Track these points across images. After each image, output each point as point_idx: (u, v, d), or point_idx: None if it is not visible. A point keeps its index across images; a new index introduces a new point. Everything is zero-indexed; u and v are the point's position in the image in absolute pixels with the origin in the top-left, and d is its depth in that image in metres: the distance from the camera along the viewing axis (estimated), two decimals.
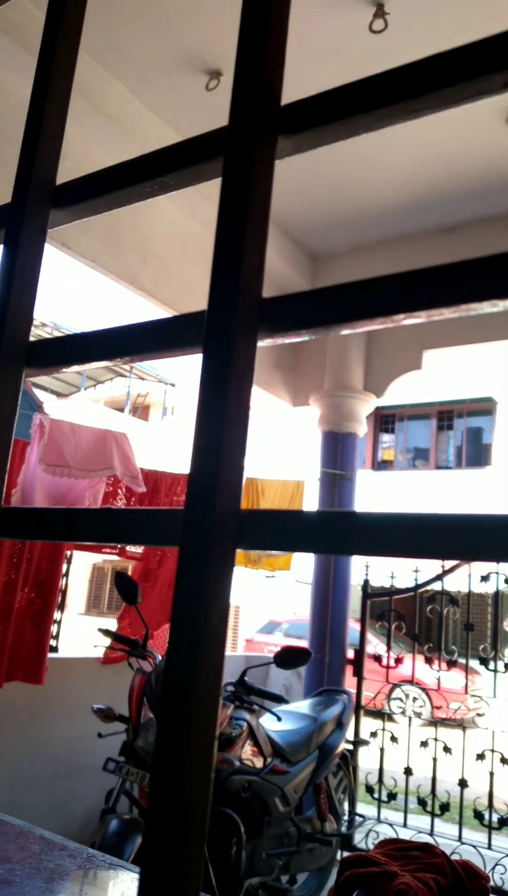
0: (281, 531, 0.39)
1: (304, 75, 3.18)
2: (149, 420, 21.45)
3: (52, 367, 0.53)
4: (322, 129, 0.44)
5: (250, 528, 0.40)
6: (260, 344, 0.43)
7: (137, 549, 4.56)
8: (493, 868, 3.96)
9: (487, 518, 0.33)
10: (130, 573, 5.12)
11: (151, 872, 0.34)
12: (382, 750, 4.72)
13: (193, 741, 0.35)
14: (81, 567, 19.84)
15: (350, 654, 4.97)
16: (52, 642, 7.27)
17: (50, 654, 4.30)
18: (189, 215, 4.25)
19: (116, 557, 4.84)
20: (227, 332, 0.40)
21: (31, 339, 0.53)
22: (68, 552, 6.05)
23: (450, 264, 0.35)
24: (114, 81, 3.47)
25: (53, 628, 7.38)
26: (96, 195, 0.53)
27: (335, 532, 0.37)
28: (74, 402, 18.78)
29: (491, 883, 3.71)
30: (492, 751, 4.28)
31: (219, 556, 0.38)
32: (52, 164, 0.55)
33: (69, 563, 7.37)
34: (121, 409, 20.19)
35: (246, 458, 0.41)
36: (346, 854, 3.51)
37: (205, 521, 0.38)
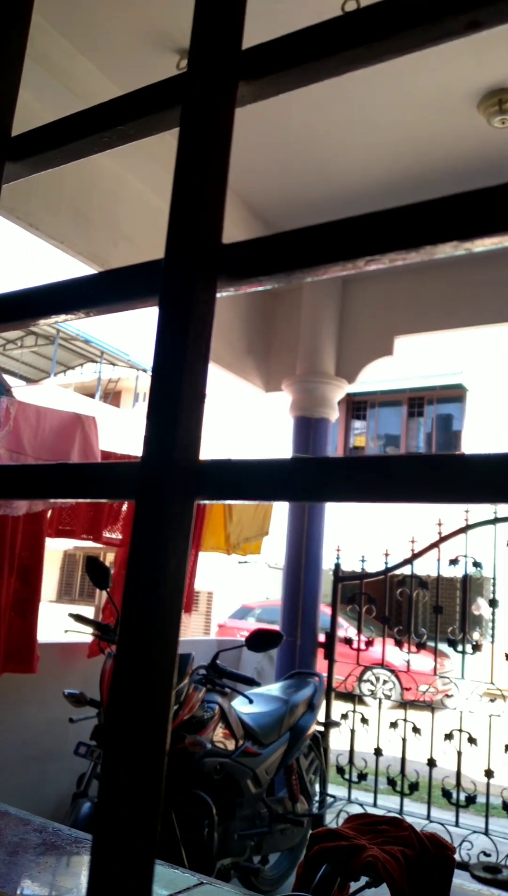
0: (241, 481, 0.38)
1: None
2: (121, 406, 21.29)
3: (6, 323, 0.51)
4: (284, 74, 0.42)
5: (209, 480, 0.39)
6: (221, 294, 0.42)
7: (115, 535, 4.52)
8: (460, 844, 4.03)
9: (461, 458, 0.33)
10: (108, 560, 5.08)
11: (104, 836, 0.34)
12: (352, 731, 4.78)
13: (150, 694, 0.34)
14: (53, 554, 19.71)
15: (322, 637, 5.00)
16: None
17: None
18: (160, 196, 4.19)
19: (88, 544, 4.79)
20: (185, 278, 0.39)
21: None
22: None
23: (412, 205, 0.35)
24: (84, 60, 3.41)
25: None
26: (54, 146, 0.52)
27: (293, 479, 0.37)
28: (43, 388, 18.56)
29: (458, 858, 3.79)
30: (460, 731, 4.35)
31: (176, 508, 0.37)
32: (6, 115, 0.53)
33: None
34: (92, 395, 20.01)
35: (204, 409, 0.40)
36: None
37: (161, 473, 0.37)
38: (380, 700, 4.85)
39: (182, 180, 0.41)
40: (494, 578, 4.58)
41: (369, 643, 5.01)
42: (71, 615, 3.53)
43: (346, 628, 7.55)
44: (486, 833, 4.24)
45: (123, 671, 0.35)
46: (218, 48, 0.42)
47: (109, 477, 0.43)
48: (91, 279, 0.47)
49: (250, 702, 3.71)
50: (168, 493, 0.37)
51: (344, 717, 4.85)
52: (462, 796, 4.29)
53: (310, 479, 0.36)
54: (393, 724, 4.59)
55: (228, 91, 0.42)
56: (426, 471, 0.34)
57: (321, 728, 4.57)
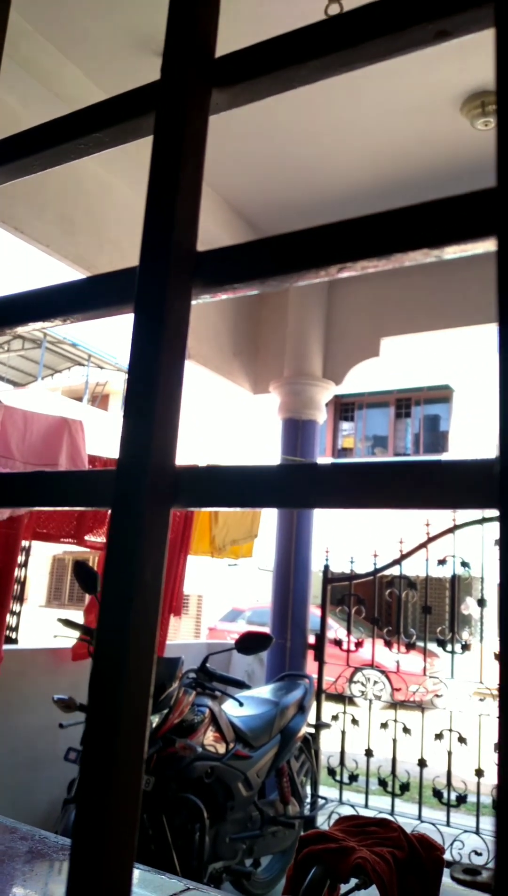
0: (218, 489, 0.39)
1: None
2: (109, 409, 21.22)
3: None
4: (257, 82, 0.43)
5: (186, 486, 0.39)
6: (196, 301, 0.42)
7: (99, 539, 4.51)
8: (451, 844, 4.04)
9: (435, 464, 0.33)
10: (94, 564, 5.07)
11: (81, 843, 0.34)
12: (343, 733, 4.78)
13: (126, 704, 0.34)
14: (41, 559, 19.62)
15: (311, 639, 5.01)
16: (13, 634, 7.20)
17: (10, 646, 4.25)
18: (145, 199, 4.19)
19: (77, 548, 4.78)
20: (159, 286, 0.39)
21: None
22: (26, 543, 5.97)
23: (382, 213, 0.35)
24: (69, 64, 3.40)
25: (13, 620, 7.30)
26: (30, 153, 0.52)
27: (271, 486, 0.37)
28: (31, 392, 18.48)
29: (448, 857, 3.80)
30: (450, 730, 4.36)
31: (152, 516, 0.37)
32: None
33: (27, 554, 7.29)
34: (80, 398, 19.94)
35: (180, 415, 0.40)
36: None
37: (137, 480, 0.37)
38: (370, 701, 4.86)
39: (156, 188, 0.41)
40: (482, 578, 4.60)
41: (358, 644, 5.02)
42: (60, 620, 3.52)
43: (336, 630, 7.56)
44: (477, 832, 4.26)
45: (99, 683, 0.36)
46: (190, 57, 0.43)
47: (85, 485, 0.43)
48: (67, 287, 0.47)
49: (241, 705, 3.71)
50: (144, 501, 0.37)
51: (335, 718, 4.86)
52: (453, 796, 4.31)
53: (289, 486, 0.37)
54: (384, 725, 4.60)
55: (201, 99, 0.43)
56: (406, 477, 0.35)
57: (312, 730, 4.57)
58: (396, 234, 0.34)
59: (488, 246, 0.32)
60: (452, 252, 0.34)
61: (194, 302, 0.41)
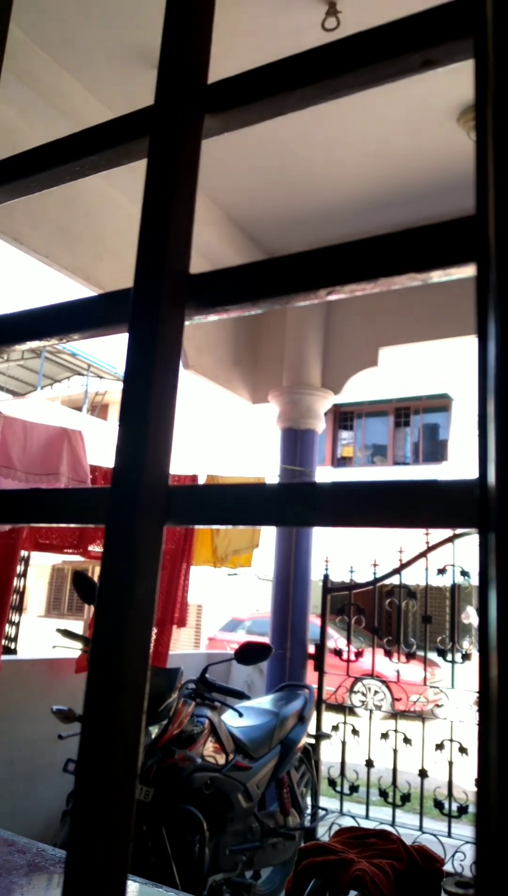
0: (209, 506, 0.39)
1: None
2: (108, 419, 21.23)
3: None
4: (248, 108, 0.44)
5: (179, 504, 0.40)
6: (189, 322, 0.43)
7: (101, 549, 4.50)
8: (453, 855, 4.02)
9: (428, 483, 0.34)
10: (93, 574, 5.07)
11: (75, 856, 0.34)
12: (343, 743, 4.77)
13: (120, 716, 0.35)
14: (41, 569, 19.59)
15: (311, 649, 5.00)
16: (11, 644, 7.18)
17: (8, 657, 4.24)
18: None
19: (77, 558, 4.78)
20: (152, 308, 0.40)
21: None
22: (25, 553, 5.96)
23: (369, 239, 0.36)
24: (68, 77, 3.43)
25: (12, 630, 7.28)
26: (26, 175, 0.53)
27: (261, 504, 0.38)
28: (30, 402, 18.50)
29: (450, 868, 3.78)
30: (451, 740, 4.35)
31: (146, 533, 0.38)
32: None
33: (27, 564, 7.27)
34: (79, 408, 19.96)
35: (174, 434, 0.41)
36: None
37: (131, 498, 0.38)
38: (371, 711, 4.85)
39: (149, 212, 0.42)
40: None
41: (358, 654, 5.01)
42: (59, 630, 3.51)
43: (336, 639, 7.54)
44: None
45: (93, 695, 0.36)
46: (183, 84, 0.44)
47: (80, 502, 0.44)
48: (63, 306, 0.48)
49: (240, 715, 3.70)
50: (138, 518, 0.38)
51: (335, 728, 4.84)
52: (454, 806, 4.28)
53: (279, 505, 0.37)
54: (384, 735, 4.58)
55: (193, 124, 0.44)
56: (398, 496, 0.35)
57: (312, 740, 4.55)
58: (382, 260, 0.35)
59: (468, 271, 0.33)
60: (436, 277, 0.35)
61: (186, 323, 0.42)
